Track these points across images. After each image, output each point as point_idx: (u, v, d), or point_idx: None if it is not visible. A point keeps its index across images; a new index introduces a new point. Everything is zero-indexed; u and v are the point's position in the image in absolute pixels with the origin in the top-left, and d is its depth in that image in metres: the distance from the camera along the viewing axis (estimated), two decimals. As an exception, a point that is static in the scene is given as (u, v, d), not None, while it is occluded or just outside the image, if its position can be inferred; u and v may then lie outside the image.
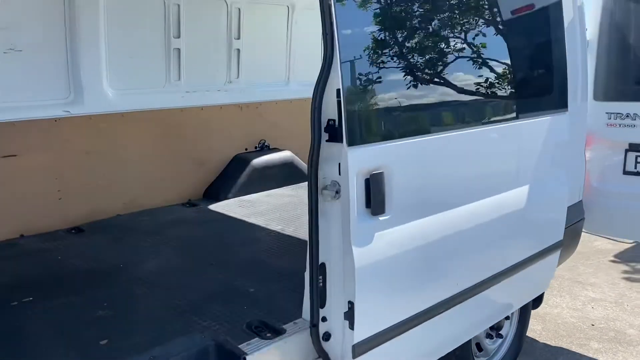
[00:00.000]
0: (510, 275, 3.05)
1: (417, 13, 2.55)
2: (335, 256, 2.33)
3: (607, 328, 4.39)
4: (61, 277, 3.05)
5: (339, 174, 2.26)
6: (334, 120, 2.23)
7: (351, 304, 2.27)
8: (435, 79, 2.57)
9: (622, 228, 4.16)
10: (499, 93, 2.89)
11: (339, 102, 2.19)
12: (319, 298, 2.36)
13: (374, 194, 2.26)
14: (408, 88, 2.43)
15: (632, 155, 3.99)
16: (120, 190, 4.24)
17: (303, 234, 3.72)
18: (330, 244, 2.33)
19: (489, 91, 2.77)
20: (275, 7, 5.06)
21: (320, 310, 2.36)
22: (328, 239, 2.34)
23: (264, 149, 5.11)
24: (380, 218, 2.31)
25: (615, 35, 3.99)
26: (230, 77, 4.86)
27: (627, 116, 3.92)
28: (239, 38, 4.82)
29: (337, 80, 2.17)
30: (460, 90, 2.61)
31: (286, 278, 3.00)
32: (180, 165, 4.58)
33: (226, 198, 4.62)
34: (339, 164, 2.24)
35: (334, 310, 2.35)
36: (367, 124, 2.31)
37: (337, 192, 2.29)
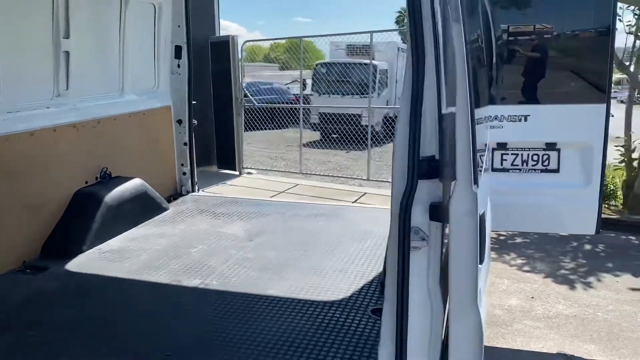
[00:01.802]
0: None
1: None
2: (418, 323, 1.91)
3: (478, 313, 4.76)
4: None
5: (432, 218, 1.85)
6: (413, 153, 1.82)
7: (465, 377, 1.88)
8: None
9: (494, 220, 4.52)
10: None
11: (442, 130, 1.77)
12: None
13: (481, 240, 1.89)
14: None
15: (498, 154, 4.34)
16: None
17: (236, 286, 2.99)
18: (410, 309, 1.90)
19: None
20: (107, -3, 3.97)
21: None
22: (410, 305, 1.90)
23: (105, 178, 4.00)
24: (480, 266, 1.96)
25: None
26: (58, 89, 3.63)
27: (495, 118, 4.24)
28: (67, 37, 3.61)
29: (443, 101, 1.76)
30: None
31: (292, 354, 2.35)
32: (7, 215, 3.23)
33: (81, 251, 3.45)
34: (431, 206, 1.83)
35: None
36: (480, 155, 1.91)
37: (424, 240, 1.87)
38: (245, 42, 10.00)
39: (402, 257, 1.85)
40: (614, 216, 7.73)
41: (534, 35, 4.34)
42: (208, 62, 10.02)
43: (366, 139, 13.08)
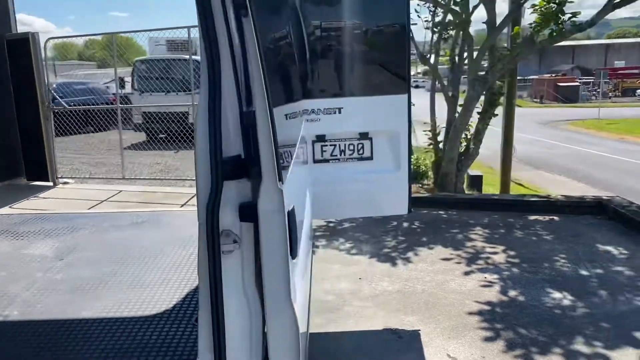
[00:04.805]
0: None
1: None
2: (237, 327, 1.90)
3: (312, 301, 4.87)
4: None
5: (242, 219, 1.84)
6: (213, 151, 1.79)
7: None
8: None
9: (317, 209, 4.67)
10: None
11: (245, 129, 1.77)
12: None
13: (293, 235, 1.91)
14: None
15: (318, 146, 4.50)
16: None
17: (42, 313, 2.64)
18: (229, 315, 1.89)
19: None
20: None
21: None
22: (227, 311, 1.88)
23: None
24: (294, 261, 1.98)
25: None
26: None
27: (312, 112, 4.37)
28: None
29: (245, 100, 1.74)
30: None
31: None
32: None
33: None
34: (241, 206, 1.83)
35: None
36: (283, 151, 1.91)
37: (236, 242, 1.87)
38: (48, 39, 9.08)
39: (212, 263, 1.79)
40: (425, 194, 8.50)
41: (343, 31, 4.54)
42: (5, 62, 8.96)
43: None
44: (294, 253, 1.91)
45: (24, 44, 8.87)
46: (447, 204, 7.58)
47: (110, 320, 2.59)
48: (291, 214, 1.88)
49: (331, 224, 7.05)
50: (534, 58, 53.92)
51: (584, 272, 5.31)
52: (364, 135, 4.48)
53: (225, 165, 1.76)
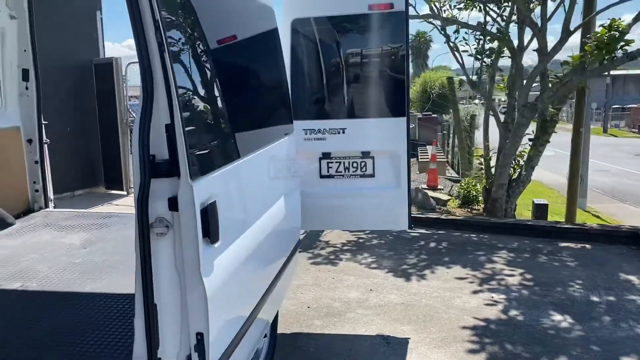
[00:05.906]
0: (283, 273, 3.53)
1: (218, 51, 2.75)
2: (169, 294, 2.36)
3: (319, 306, 5.28)
4: None
5: (170, 209, 2.31)
6: (153, 155, 2.27)
7: (201, 335, 2.35)
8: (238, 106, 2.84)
9: (324, 221, 5.08)
10: (272, 118, 3.35)
11: (169, 137, 2.25)
12: (156, 340, 2.37)
13: (212, 224, 2.37)
14: (223, 116, 2.63)
15: (324, 162, 4.93)
16: None
17: (54, 286, 3.31)
18: (161, 283, 2.36)
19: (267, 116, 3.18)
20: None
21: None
22: (158, 279, 2.35)
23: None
24: (216, 245, 2.43)
25: (303, 65, 4.85)
26: None
27: (319, 131, 4.83)
28: None
29: (170, 115, 2.22)
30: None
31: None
32: None
33: None
34: (169, 199, 2.30)
35: (168, 347, 2.40)
36: (199, 156, 2.39)
37: (167, 227, 2.33)
38: (129, 63, 10.20)
39: (142, 243, 2.28)
40: (459, 217, 8.60)
41: (348, 59, 4.98)
42: (92, 83, 10.18)
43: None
44: (212, 238, 2.38)
45: (109, 68, 10.03)
46: (481, 227, 7.67)
47: (100, 295, 3.17)
48: (210, 207, 2.35)
49: (361, 240, 7.39)
50: (635, 86, 50.84)
51: (595, 299, 5.29)
52: (366, 154, 4.85)
53: (155, 166, 2.26)
